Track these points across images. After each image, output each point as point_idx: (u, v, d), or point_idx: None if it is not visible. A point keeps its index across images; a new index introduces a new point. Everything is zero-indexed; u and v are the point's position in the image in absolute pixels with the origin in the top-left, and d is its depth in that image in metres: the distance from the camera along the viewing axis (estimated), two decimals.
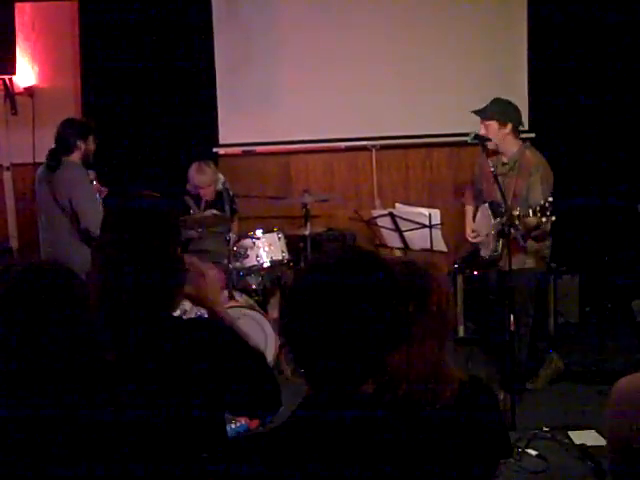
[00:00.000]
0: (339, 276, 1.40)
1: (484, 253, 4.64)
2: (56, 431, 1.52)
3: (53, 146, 4.61)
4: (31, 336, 1.52)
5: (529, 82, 6.24)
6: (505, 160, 4.57)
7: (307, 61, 6.29)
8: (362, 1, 6.31)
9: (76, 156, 4.58)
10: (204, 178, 5.44)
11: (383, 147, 6.46)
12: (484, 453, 1.59)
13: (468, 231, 4.82)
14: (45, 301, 1.55)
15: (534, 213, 3.97)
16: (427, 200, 6.22)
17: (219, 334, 1.84)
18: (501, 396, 4.01)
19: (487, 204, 4.57)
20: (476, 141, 4.45)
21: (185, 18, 6.16)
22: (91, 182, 4.69)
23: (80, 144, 4.57)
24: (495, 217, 4.42)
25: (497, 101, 4.60)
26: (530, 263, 4.50)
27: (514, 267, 4.21)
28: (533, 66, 6.22)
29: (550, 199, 3.97)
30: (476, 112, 4.57)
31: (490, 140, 4.48)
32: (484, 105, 4.57)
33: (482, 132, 4.52)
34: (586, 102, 6.09)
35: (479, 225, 4.71)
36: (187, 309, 5.00)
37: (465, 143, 4.76)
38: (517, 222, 4.08)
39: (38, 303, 1.54)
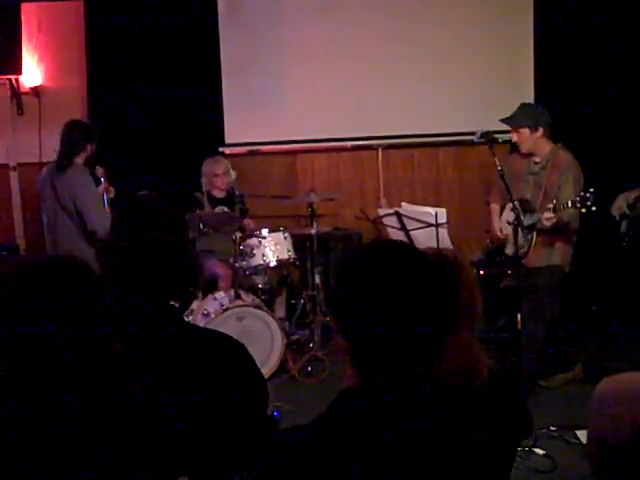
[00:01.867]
0: (403, 257, 1.43)
1: (509, 250, 4.64)
2: (64, 426, 1.52)
3: (59, 147, 4.61)
4: (44, 329, 1.52)
5: (535, 83, 6.22)
6: (537, 160, 4.57)
7: (313, 61, 6.30)
8: (368, 0, 6.31)
9: (82, 158, 4.61)
10: (220, 165, 5.56)
11: (389, 146, 6.45)
12: (509, 432, 1.68)
13: (496, 230, 4.79)
14: (59, 295, 1.54)
15: (573, 205, 3.99)
16: (433, 199, 6.21)
17: (239, 362, 1.83)
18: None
19: (516, 202, 4.57)
20: (482, 140, 4.44)
21: (191, 18, 6.18)
22: (97, 181, 4.69)
23: (87, 146, 4.61)
24: (524, 214, 4.43)
25: (525, 107, 4.60)
26: (556, 260, 4.50)
27: (539, 264, 4.30)
28: (539, 67, 6.20)
29: (591, 190, 3.98)
30: (505, 121, 4.57)
31: (497, 138, 4.48)
32: (512, 111, 4.54)
33: (514, 139, 4.55)
34: (593, 103, 6.07)
35: (505, 223, 4.71)
36: (194, 308, 5.02)
37: (471, 142, 4.77)
38: (551, 215, 4.13)
39: (51, 297, 1.54)
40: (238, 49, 6.32)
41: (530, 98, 6.12)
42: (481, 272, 5.04)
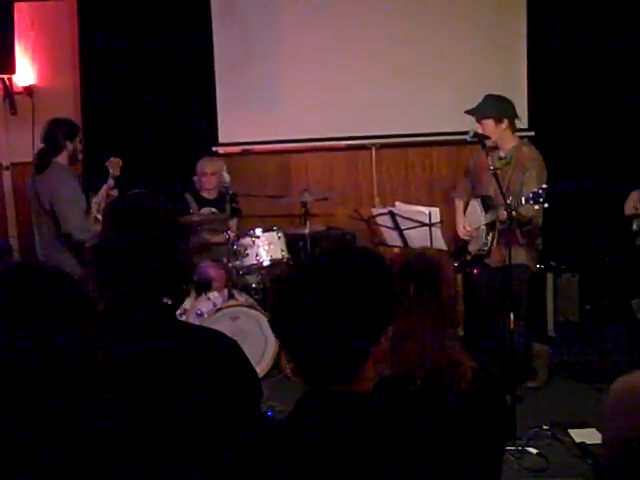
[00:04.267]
0: (323, 268, 1.41)
1: (472, 248, 4.64)
2: (50, 437, 1.50)
3: (42, 146, 4.51)
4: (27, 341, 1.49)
5: (529, 80, 6.23)
6: (502, 155, 4.54)
7: (307, 60, 6.29)
8: (362, 0, 6.30)
9: (64, 157, 4.48)
10: (210, 165, 5.53)
11: (383, 146, 6.45)
12: (494, 436, 1.64)
13: (460, 226, 4.79)
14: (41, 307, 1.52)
15: (526, 201, 3.96)
16: (426, 199, 6.21)
17: (231, 358, 1.82)
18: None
19: (479, 198, 4.56)
20: (475, 139, 4.44)
21: (184, 17, 6.17)
22: (101, 180, 4.62)
23: (68, 144, 4.48)
24: (486, 211, 4.41)
25: (490, 98, 4.57)
26: (521, 259, 4.45)
27: (502, 264, 4.23)
28: (533, 65, 6.21)
29: (544, 186, 3.95)
30: (470, 112, 4.55)
31: (489, 138, 4.47)
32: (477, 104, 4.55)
33: (479, 131, 4.49)
34: (586, 100, 6.09)
35: (469, 219, 4.70)
36: (187, 307, 5.01)
37: (464, 142, 4.77)
38: (513, 214, 4.05)
39: (34, 308, 1.51)
40: (232, 49, 6.31)
41: (524, 97, 6.15)
42: (474, 271, 5.05)
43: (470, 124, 4.63)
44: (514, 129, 4.57)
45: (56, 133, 4.47)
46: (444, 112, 6.18)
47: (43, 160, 4.45)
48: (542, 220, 4.45)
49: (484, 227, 4.45)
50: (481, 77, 6.17)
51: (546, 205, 3.94)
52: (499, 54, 6.29)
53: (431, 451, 1.40)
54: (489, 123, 4.48)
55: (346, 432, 1.37)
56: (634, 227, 4.92)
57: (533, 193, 3.93)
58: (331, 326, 1.35)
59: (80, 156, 4.65)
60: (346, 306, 1.35)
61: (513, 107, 4.58)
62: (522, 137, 4.69)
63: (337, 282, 1.37)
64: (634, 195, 4.87)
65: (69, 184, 4.42)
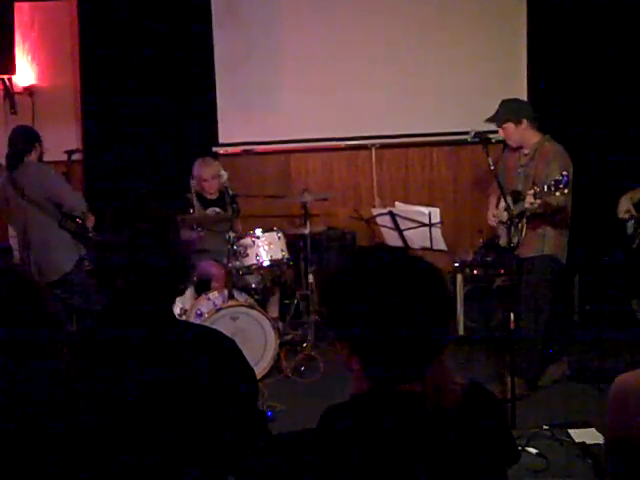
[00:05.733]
0: (394, 276, 1.44)
1: (502, 241, 4.66)
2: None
3: (8, 150, 4.90)
4: None
5: (529, 81, 6.23)
6: (526, 152, 4.62)
7: (307, 60, 6.29)
8: (363, 1, 6.31)
9: (34, 156, 4.90)
10: (209, 170, 5.48)
11: (383, 146, 6.45)
12: (491, 459, 1.55)
13: (489, 215, 4.82)
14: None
15: (548, 189, 3.99)
16: (427, 199, 6.21)
17: (230, 357, 1.83)
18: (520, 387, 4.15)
19: (508, 194, 4.59)
20: (476, 139, 4.45)
21: (184, 17, 6.17)
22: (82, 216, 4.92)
23: (37, 145, 4.91)
24: (515, 203, 4.45)
25: (505, 102, 4.64)
26: (548, 249, 4.50)
27: (531, 254, 4.33)
28: (533, 65, 6.21)
29: (565, 172, 3.99)
30: (490, 120, 4.62)
31: (490, 138, 4.49)
32: (495, 110, 4.59)
33: (501, 135, 4.63)
34: (587, 100, 6.08)
35: (500, 212, 4.73)
36: (187, 307, 5.01)
37: (465, 142, 4.78)
38: (532, 199, 4.14)
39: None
40: (232, 49, 6.31)
41: (524, 98, 6.13)
42: (475, 271, 5.06)
43: (471, 124, 4.64)
44: (535, 126, 4.62)
45: (25, 136, 4.96)
46: (444, 112, 6.19)
47: (15, 160, 4.86)
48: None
49: (514, 220, 4.47)
50: (481, 78, 6.17)
51: (566, 191, 3.98)
52: (499, 55, 6.29)
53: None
54: (510, 126, 4.58)
55: (414, 431, 1.41)
56: (628, 231, 4.93)
57: (555, 180, 3.98)
58: (407, 325, 1.41)
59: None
60: (420, 307, 1.42)
61: (529, 106, 4.72)
62: (543, 132, 4.71)
63: (411, 285, 1.43)
64: (623, 201, 4.92)
65: (52, 173, 4.96)
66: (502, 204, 4.70)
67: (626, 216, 4.89)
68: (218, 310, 4.81)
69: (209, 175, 5.45)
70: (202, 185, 5.48)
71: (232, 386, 1.78)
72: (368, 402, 1.46)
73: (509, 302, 4.23)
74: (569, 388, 4.65)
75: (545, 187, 4.04)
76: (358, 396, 1.48)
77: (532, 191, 4.15)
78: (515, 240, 4.44)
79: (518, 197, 4.46)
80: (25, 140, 4.89)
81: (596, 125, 6.07)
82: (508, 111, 4.59)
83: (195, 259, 5.18)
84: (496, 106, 4.65)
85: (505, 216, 4.42)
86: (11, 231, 6.44)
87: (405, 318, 1.40)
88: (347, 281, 1.48)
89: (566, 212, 4.49)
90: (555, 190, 3.98)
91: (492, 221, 4.80)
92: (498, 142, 5.11)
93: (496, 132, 4.68)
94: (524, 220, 4.46)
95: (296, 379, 4.80)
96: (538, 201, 4.13)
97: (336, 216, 6.36)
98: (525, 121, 4.57)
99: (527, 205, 4.24)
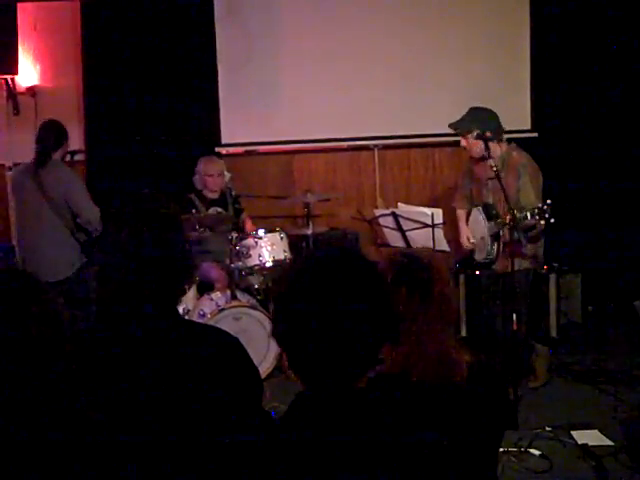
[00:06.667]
0: (326, 274, 1.43)
1: (478, 257, 4.64)
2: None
3: (37, 145, 4.78)
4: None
5: (531, 81, 6.22)
6: (492, 163, 4.55)
7: (309, 60, 6.29)
8: (366, 0, 6.30)
9: (59, 154, 4.82)
10: (214, 166, 5.50)
11: (385, 147, 6.45)
12: (492, 427, 1.71)
13: (463, 238, 4.80)
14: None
15: (532, 216, 3.97)
16: (429, 200, 6.21)
17: (235, 358, 1.83)
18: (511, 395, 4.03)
19: (480, 207, 4.57)
20: (479, 140, 4.45)
21: (187, 17, 6.17)
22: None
23: (64, 143, 4.85)
24: (489, 220, 4.42)
25: (473, 111, 4.60)
26: (526, 264, 4.49)
27: (509, 269, 4.22)
28: (535, 65, 6.20)
29: (548, 201, 3.96)
30: (453, 127, 4.58)
31: (493, 140, 4.48)
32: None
33: (462, 144, 4.58)
34: (590, 101, 6.08)
35: (472, 228, 4.71)
36: (190, 308, 5.01)
37: None
38: (519, 223, 4.07)
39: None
40: (234, 49, 6.31)
41: (527, 98, 6.15)
42: (477, 272, 5.04)
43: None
44: (500, 138, 4.55)
45: (55, 133, 4.82)
46: (447, 113, 6.15)
47: (44, 156, 4.73)
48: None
49: (488, 237, 4.45)
50: (484, 78, 6.16)
51: (552, 220, 3.94)
52: (502, 55, 6.28)
53: (426, 443, 1.44)
54: (472, 137, 4.51)
55: (345, 427, 1.40)
56: None
57: (538, 209, 3.94)
58: (342, 328, 1.40)
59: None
60: (356, 307, 1.40)
61: (496, 117, 4.59)
62: (509, 140, 4.66)
63: (348, 285, 1.42)
64: None
65: (78, 179, 4.87)
66: (471, 220, 4.69)
67: None
68: (221, 310, 4.81)
69: (215, 171, 5.46)
70: (205, 181, 5.47)
71: (237, 386, 1.78)
72: (301, 402, 1.49)
73: (511, 303, 4.22)
74: (572, 389, 4.64)
75: (528, 214, 4.00)
76: (300, 394, 1.50)
77: (508, 219, 4.07)
78: (491, 257, 4.43)
79: (491, 212, 4.41)
80: (56, 137, 4.79)
81: (601, 124, 6.07)
82: (474, 120, 4.52)
83: (197, 259, 5.17)
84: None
85: (480, 232, 4.42)
86: (14, 231, 6.45)
87: (331, 321, 1.40)
88: (286, 284, 1.50)
89: (540, 227, 4.42)
90: (540, 219, 3.96)
91: (468, 246, 4.75)
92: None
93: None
94: (499, 241, 4.44)
95: (298, 380, 4.79)
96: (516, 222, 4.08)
97: (339, 217, 6.36)
98: (489, 133, 4.48)
99: (507, 229, 4.20)
